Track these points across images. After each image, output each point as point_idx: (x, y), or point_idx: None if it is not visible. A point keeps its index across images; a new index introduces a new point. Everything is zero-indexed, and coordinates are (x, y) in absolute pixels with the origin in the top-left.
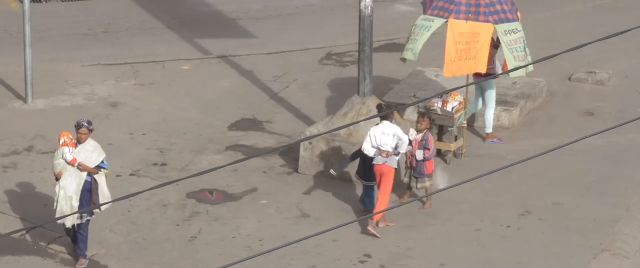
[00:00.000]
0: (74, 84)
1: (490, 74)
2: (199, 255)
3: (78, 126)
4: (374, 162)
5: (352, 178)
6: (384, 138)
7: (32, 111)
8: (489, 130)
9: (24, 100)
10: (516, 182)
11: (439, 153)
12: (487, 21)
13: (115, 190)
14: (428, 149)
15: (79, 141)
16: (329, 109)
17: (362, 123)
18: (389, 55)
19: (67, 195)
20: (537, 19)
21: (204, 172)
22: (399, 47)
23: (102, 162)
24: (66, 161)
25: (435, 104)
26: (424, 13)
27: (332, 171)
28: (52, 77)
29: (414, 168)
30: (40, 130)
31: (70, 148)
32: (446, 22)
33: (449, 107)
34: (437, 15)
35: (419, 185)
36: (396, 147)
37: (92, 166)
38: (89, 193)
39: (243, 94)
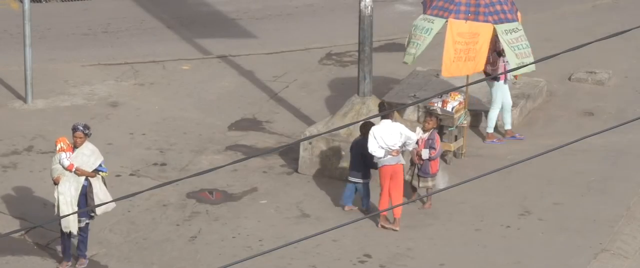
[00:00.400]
0: (74, 84)
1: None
2: (199, 255)
3: (74, 130)
4: (384, 164)
5: (351, 179)
6: (391, 138)
7: (32, 111)
8: (490, 130)
9: (24, 100)
10: (516, 182)
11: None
12: (487, 21)
13: (115, 190)
14: (434, 149)
15: (75, 145)
16: (329, 109)
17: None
18: (389, 55)
19: (66, 201)
20: (537, 19)
21: (204, 172)
22: (399, 47)
23: (100, 165)
24: (63, 167)
25: (435, 104)
26: (424, 13)
27: (345, 208)
28: (52, 77)
29: (419, 167)
30: (40, 130)
31: (68, 153)
32: (446, 22)
33: (449, 107)
34: (436, 15)
35: (421, 185)
36: (403, 145)
37: (90, 170)
38: (84, 198)
39: (243, 94)
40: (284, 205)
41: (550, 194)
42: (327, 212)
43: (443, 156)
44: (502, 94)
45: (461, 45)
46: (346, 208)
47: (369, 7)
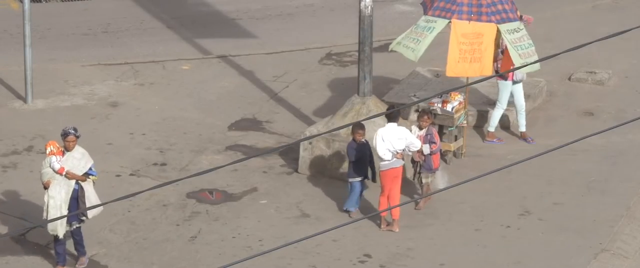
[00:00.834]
0: (74, 84)
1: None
2: (199, 255)
3: (65, 134)
4: (391, 166)
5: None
6: (399, 142)
7: (32, 111)
8: (491, 129)
9: (24, 100)
10: (516, 182)
11: (439, 153)
12: (490, 21)
13: (115, 190)
14: (434, 143)
15: (66, 149)
16: (329, 109)
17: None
18: (389, 55)
19: (56, 205)
20: (537, 19)
21: (204, 172)
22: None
23: (90, 168)
24: (54, 170)
25: (435, 104)
26: (425, 14)
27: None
28: (52, 77)
29: (421, 164)
30: (40, 130)
31: (58, 157)
32: (449, 22)
33: (449, 107)
34: (439, 16)
35: (424, 181)
36: (405, 149)
37: (80, 173)
38: (76, 201)
39: (243, 94)
40: (284, 205)
41: (550, 194)
42: (327, 212)
43: (443, 156)
44: (507, 93)
45: (465, 45)
46: (352, 214)
47: (369, 7)
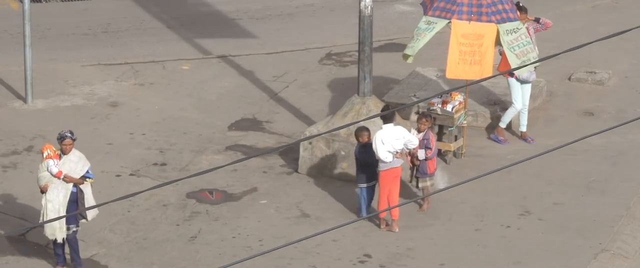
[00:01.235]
0: (74, 84)
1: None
2: (199, 255)
3: (62, 138)
4: (390, 167)
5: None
6: (398, 142)
7: (32, 111)
8: (502, 125)
9: (24, 100)
10: (516, 182)
11: (439, 153)
12: (490, 21)
13: (115, 190)
14: (430, 149)
15: (63, 152)
16: (329, 109)
17: (362, 123)
18: (389, 55)
19: (54, 208)
20: None
21: (204, 172)
22: (399, 47)
23: (87, 171)
24: (51, 174)
25: (435, 104)
26: (425, 14)
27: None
28: (52, 77)
29: (417, 168)
30: (40, 130)
31: (55, 160)
32: (449, 23)
33: (449, 107)
34: (439, 17)
35: (420, 185)
36: (404, 147)
37: (78, 176)
38: (75, 204)
39: (243, 94)
40: (284, 205)
41: (550, 194)
42: (327, 212)
43: (443, 156)
44: (517, 91)
45: (466, 46)
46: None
47: (369, 7)
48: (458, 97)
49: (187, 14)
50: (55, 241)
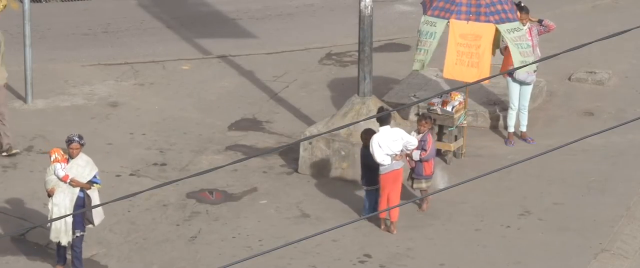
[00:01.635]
0: (74, 84)
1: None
2: (199, 255)
3: (69, 141)
4: (390, 169)
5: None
6: (396, 144)
7: (32, 111)
8: (509, 129)
9: (24, 100)
10: (516, 182)
11: (439, 153)
12: (488, 21)
13: (115, 190)
14: (425, 150)
15: (71, 156)
16: (329, 109)
17: (362, 123)
18: (389, 55)
19: (60, 212)
20: None
21: (204, 172)
22: (399, 47)
23: (95, 176)
24: (58, 178)
25: (436, 104)
26: (424, 14)
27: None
28: (52, 77)
29: (412, 169)
30: (40, 130)
31: (62, 164)
32: (448, 23)
33: (449, 107)
34: (438, 17)
35: (415, 186)
36: (403, 149)
37: (85, 181)
38: (81, 209)
39: (243, 94)
40: (284, 205)
41: (550, 194)
42: (327, 212)
43: (443, 156)
44: (515, 92)
45: (463, 47)
46: None
47: (369, 7)
48: (458, 97)
49: (187, 14)
50: (58, 242)
